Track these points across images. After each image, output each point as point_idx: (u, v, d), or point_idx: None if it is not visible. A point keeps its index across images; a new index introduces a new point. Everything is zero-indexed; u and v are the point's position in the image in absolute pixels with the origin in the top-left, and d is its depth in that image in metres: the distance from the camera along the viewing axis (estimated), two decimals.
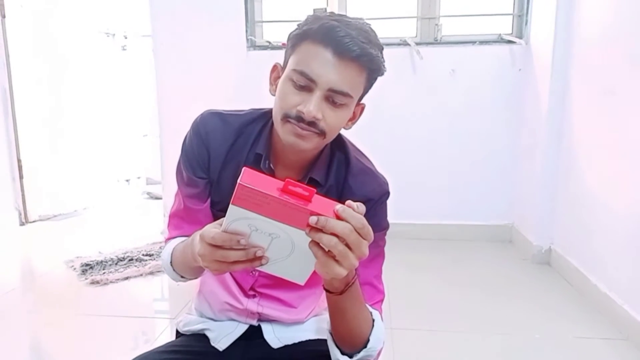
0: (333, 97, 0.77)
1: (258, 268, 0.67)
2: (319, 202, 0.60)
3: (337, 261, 0.61)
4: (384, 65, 0.80)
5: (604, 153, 2.10)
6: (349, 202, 0.62)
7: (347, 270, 0.62)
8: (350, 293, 0.73)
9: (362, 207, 0.62)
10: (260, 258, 0.65)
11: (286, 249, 0.64)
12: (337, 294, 0.73)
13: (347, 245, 0.60)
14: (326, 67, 0.75)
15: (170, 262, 0.91)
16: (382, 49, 0.80)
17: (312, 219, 0.58)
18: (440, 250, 2.88)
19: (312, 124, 0.77)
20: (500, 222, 3.03)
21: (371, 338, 0.81)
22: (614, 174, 2.01)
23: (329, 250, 0.60)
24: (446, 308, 2.13)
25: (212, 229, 0.65)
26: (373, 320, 0.82)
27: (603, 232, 2.08)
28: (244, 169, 0.59)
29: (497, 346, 1.82)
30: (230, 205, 0.59)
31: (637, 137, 1.83)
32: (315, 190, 0.59)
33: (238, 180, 0.58)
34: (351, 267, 0.62)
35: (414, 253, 2.82)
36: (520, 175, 2.92)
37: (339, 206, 0.60)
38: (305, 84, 0.76)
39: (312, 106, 0.75)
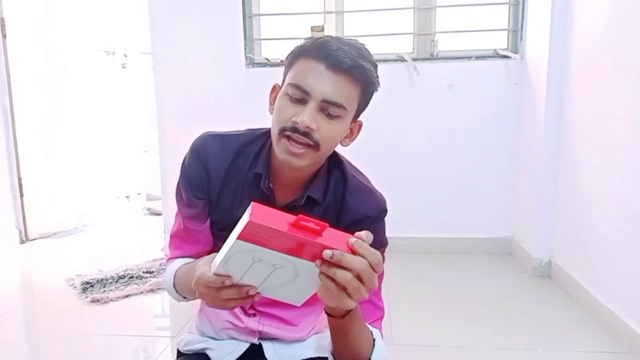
0: (327, 109, 0.79)
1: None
2: (331, 236, 0.59)
3: (348, 294, 0.62)
4: (377, 81, 0.82)
5: (602, 165, 2.11)
6: (357, 233, 0.62)
7: (357, 302, 0.63)
8: (351, 315, 0.74)
9: (370, 236, 0.63)
10: (253, 296, 0.66)
11: (288, 277, 0.63)
12: (339, 318, 0.74)
13: (359, 278, 0.61)
14: (320, 79, 0.77)
15: (173, 284, 0.92)
16: (376, 66, 0.82)
17: (327, 253, 0.58)
18: (439, 264, 2.88)
19: (306, 134, 0.78)
20: (500, 235, 3.03)
21: (372, 357, 0.81)
22: (613, 186, 2.02)
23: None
24: (447, 323, 2.12)
25: (203, 267, 0.67)
26: (374, 340, 0.83)
27: (603, 245, 2.08)
28: (252, 204, 0.58)
29: None
30: (236, 240, 0.58)
31: (635, 150, 1.85)
32: (327, 225, 0.59)
33: (246, 216, 0.56)
34: (361, 300, 0.63)
35: (414, 267, 2.82)
36: (519, 188, 2.93)
37: (353, 240, 0.60)
38: (301, 97, 0.78)
39: (305, 116, 0.77)
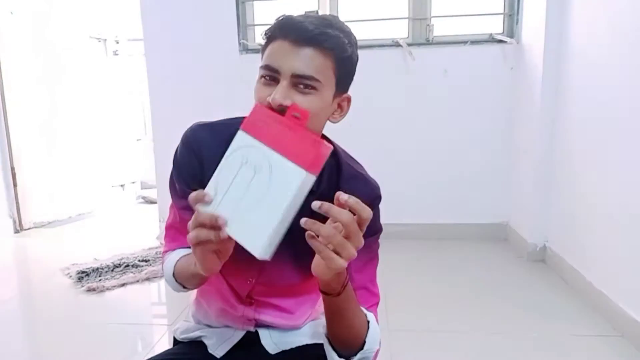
0: (300, 83, 0.77)
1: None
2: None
3: (336, 252, 0.63)
4: (349, 46, 0.79)
5: (597, 150, 2.11)
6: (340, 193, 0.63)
7: (347, 261, 0.64)
8: (346, 294, 0.74)
9: (352, 199, 0.64)
10: (220, 228, 0.66)
11: (262, 190, 0.65)
12: (335, 296, 0.74)
13: (346, 237, 0.62)
14: (286, 55, 0.76)
15: (173, 273, 0.91)
16: (348, 33, 0.80)
17: (315, 204, 0.61)
18: (435, 250, 2.89)
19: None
20: (495, 221, 3.04)
21: (367, 340, 0.81)
22: (608, 171, 2.02)
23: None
24: (442, 308, 2.14)
25: None
26: (368, 322, 0.83)
27: (597, 230, 2.09)
28: (255, 104, 0.65)
29: (494, 345, 1.83)
30: (239, 131, 0.66)
31: (630, 135, 1.85)
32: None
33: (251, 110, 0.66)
34: (350, 258, 0.64)
35: (409, 253, 2.83)
36: (514, 174, 2.93)
37: (346, 197, 0.62)
38: (272, 77, 0.78)
39: (277, 94, 0.75)
